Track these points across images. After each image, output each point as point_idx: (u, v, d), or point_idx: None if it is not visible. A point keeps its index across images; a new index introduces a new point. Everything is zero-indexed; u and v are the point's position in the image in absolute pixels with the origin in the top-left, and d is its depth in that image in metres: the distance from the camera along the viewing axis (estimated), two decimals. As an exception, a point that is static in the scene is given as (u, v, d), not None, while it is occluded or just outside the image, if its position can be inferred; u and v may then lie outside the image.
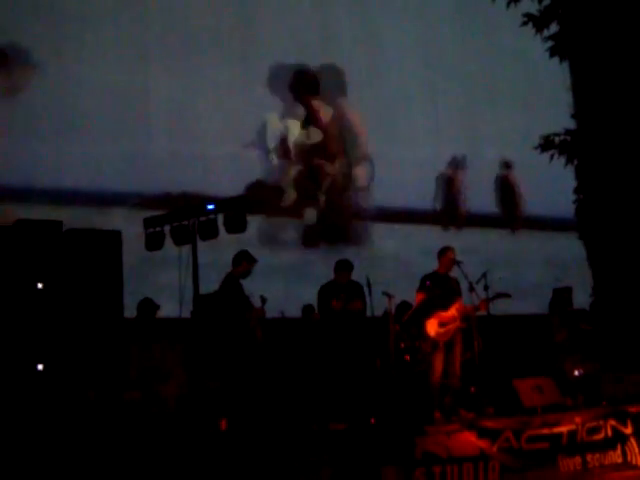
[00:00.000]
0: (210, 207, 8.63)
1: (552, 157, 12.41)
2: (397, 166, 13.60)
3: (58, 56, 11.51)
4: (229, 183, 12.02)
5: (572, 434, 9.00)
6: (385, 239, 13.33)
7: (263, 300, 9.03)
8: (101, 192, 11.49)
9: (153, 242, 8.93)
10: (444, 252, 9.83)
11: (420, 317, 9.58)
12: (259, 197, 12.50)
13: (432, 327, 9.48)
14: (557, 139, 12.39)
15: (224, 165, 12.52)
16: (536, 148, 12.37)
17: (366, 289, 9.64)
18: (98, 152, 11.54)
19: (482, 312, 9.62)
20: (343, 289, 9.67)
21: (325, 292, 9.74)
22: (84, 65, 11.66)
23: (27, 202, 10.86)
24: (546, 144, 12.41)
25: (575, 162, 12.48)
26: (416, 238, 13.42)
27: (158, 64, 12.27)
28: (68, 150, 11.39)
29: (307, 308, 10.88)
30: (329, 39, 13.59)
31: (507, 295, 9.77)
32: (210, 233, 8.73)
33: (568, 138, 12.35)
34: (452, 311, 9.57)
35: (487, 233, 14.53)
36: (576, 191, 12.76)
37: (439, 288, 9.66)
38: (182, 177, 11.95)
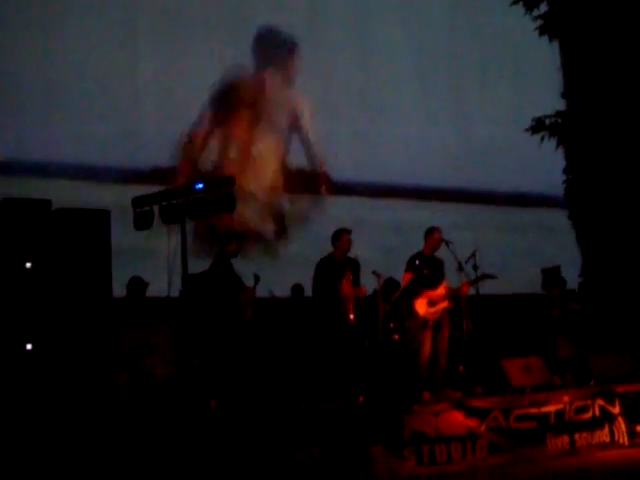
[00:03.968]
0: (199, 186, 8.58)
1: (542, 139, 12.40)
2: (386, 144, 13.57)
3: (45, 31, 11.41)
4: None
5: (560, 413, 9.06)
6: (371, 215, 13.27)
7: (256, 279, 8.99)
8: (89, 168, 11.44)
9: (142, 221, 8.90)
10: (430, 232, 9.81)
11: (409, 296, 9.59)
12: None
13: (421, 306, 9.48)
14: (548, 121, 12.38)
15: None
16: (527, 130, 12.35)
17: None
18: (85, 128, 11.47)
19: (464, 294, 9.62)
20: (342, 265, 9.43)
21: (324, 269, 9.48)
22: (71, 41, 11.57)
23: (12, 176, 10.80)
24: (537, 126, 12.39)
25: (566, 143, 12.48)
26: (402, 215, 13.40)
27: (146, 42, 12.19)
28: (55, 126, 11.32)
29: (296, 287, 10.88)
30: (318, 19, 13.50)
31: (493, 276, 9.77)
32: (199, 212, 8.69)
33: (559, 120, 12.33)
34: (440, 290, 9.58)
35: (476, 210, 14.49)
36: (565, 171, 12.77)
37: (426, 268, 9.67)
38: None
